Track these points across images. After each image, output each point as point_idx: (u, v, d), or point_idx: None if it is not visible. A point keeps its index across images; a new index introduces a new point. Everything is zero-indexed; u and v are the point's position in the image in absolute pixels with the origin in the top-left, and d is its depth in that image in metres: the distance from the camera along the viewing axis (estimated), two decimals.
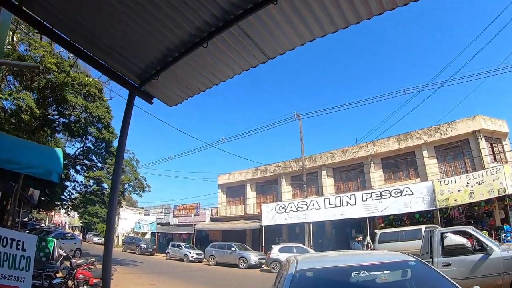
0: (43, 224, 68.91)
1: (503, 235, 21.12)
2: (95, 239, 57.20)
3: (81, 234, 69.04)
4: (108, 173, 27.87)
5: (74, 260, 12.56)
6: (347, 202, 28.02)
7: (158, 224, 49.15)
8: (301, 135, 32.43)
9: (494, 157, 27.17)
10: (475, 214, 24.90)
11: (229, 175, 44.00)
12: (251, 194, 40.97)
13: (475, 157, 26.51)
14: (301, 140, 32.41)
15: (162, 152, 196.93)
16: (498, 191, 21.73)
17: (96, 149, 29.44)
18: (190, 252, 34.44)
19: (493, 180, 22.02)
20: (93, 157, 29.79)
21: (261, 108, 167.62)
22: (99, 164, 29.54)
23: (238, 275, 23.55)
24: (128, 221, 60.65)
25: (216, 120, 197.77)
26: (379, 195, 26.65)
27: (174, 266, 28.47)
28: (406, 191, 25.58)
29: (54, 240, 16.32)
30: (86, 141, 29.06)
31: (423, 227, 20.44)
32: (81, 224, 78.40)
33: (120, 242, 53.15)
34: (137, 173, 30.72)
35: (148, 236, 51.42)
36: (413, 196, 25.30)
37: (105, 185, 29.04)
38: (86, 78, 24.48)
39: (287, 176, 37.78)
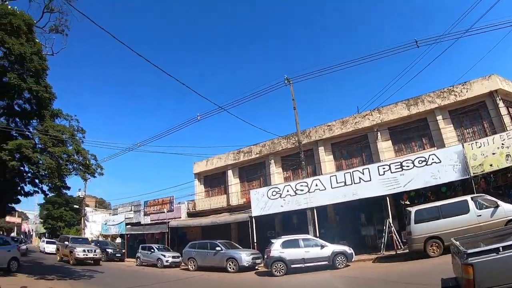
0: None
1: None
2: (49, 248, 44.04)
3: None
4: (35, 144, 20.41)
5: None
6: (359, 178, 22.60)
7: (127, 224, 42.98)
8: (294, 102, 26.55)
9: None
10: (505, 183, 21.09)
11: (206, 161, 38.62)
12: (233, 181, 35.60)
13: (493, 117, 23.85)
14: (294, 109, 26.51)
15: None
16: None
17: (18, 109, 22.19)
18: (164, 256, 29.00)
19: None
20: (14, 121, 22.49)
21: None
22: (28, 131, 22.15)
23: (232, 285, 18.00)
24: (97, 224, 54.01)
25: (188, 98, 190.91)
26: (399, 166, 21.45)
27: (143, 276, 22.73)
28: (432, 159, 20.76)
29: None
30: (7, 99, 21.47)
31: (468, 197, 16.89)
32: (45, 231, 72.52)
33: None
34: (80, 145, 22.59)
35: (119, 239, 45.50)
36: (441, 164, 20.56)
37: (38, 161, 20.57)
38: (8, 7, 18.26)
39: (276, 157, 32.36)
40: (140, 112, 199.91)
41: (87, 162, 22.02)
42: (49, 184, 21.98)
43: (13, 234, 71.77)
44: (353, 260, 19.01)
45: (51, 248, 43.36)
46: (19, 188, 26.60)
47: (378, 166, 22.36)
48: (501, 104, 23.61)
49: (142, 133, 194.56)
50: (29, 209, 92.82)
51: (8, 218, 79.69)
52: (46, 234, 71.47)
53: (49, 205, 65.95)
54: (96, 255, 29.74)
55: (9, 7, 18.85)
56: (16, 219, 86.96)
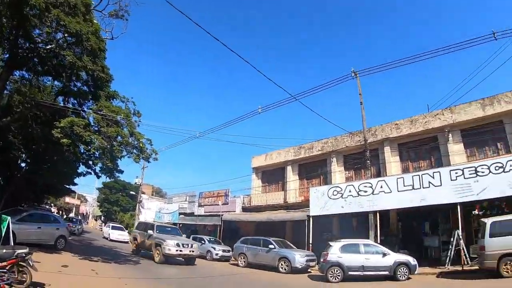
0: (53, 210, 65.37)
1: None
2: (116, 234, 40.75)
3: (103, 224, 63.73)
4: (89, 124, 20.31)
5: None
6: (429, 182, 20.58)
7: (180, 214, 43.65)
8: (360, 97, 25.35)
9: None
10: None
11: (265, 156, 37.84)
12: (292, 177, 34.46)
13: None
14: (360, 103, 25.39)
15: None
16: None
17: (74, 88, 22.33)
18: (214, 248, 28.57)
19: None
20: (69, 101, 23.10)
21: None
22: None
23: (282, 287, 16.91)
24: (151, 211, 54.01)
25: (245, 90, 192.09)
26: (473, 171, 19.16)
27: (189, 268, 21.87)
28: (511, 165, 18.25)
29: (8, 218, 14.32)
30: (65, 80, 21.62)
31: None
32: (100, 213, 75.68)
33: None
34: (135, 128, 21.88)
35: None
36: None
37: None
38: None
39: (338, 155, 30.85)
40: (199, 100, 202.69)
41: (141, 145, 21.54)
42: (101, 165, 22.15)
43: (72, 215, 75.41)
44: (416, 272, 17.33)
45: (117, 235, 40.70)
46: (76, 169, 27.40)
47: (450, 170, 20.17)
48: None
49: (202, 122, 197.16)
50: (89, 192, 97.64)
51: (68, 199, 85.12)
52: (102, 217, 74.85)
53: (107, 189, 69.19)
54: (193, 251, 23.10)
55: None
56: (75, 201, 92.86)
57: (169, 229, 26.56)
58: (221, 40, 14.77)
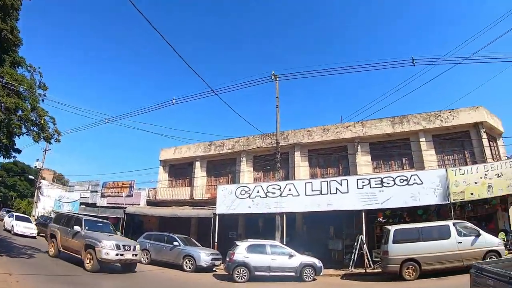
0: None
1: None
2: (21, 227, 31.41)
3: None
4: None
5: None
6: (336, 188, 21.53)
7: (81, 204, 40.42)
8: (277, 100, 25.56)
9: (492, 154, 24.03)
10: (481, 215, 21.24)
11: (175, 149, 36.86)
12: (200, 174, 34.04)
13: (475, 147, 23.87)
14: (276, 107, 25.53)
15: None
16: None
17: None
18: None
19: None
20: None
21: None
22: None
23: (187, 287, 16.16)
24: (51, 199, 48.88)
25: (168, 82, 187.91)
26: (379, 182, 20.61)
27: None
28: (414, 179, 20.07)
29: None
30: None
31: (450, 222, 16.30)
32: None
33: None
34: (38, 102, 19.05)
35: None
36: (422, 186, 19.86)
37: None
38: None
39: (249, 155, 31.15)
40: (120, 83, 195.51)
41: (43, 123, 19.02)
42: None
43: None
44: (321, 274, 17.73)
45: (23, 228, 31.74)
46: None
47: (357, 179, 21.46)
48: (484, 137, 23.45)
49: (118, 106, 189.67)
50: None
51: None
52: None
53: (4, 172, 62.35)
54: (136, 255, 17.52)
55: None
56: None
57: (101, 224, 19.86)
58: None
